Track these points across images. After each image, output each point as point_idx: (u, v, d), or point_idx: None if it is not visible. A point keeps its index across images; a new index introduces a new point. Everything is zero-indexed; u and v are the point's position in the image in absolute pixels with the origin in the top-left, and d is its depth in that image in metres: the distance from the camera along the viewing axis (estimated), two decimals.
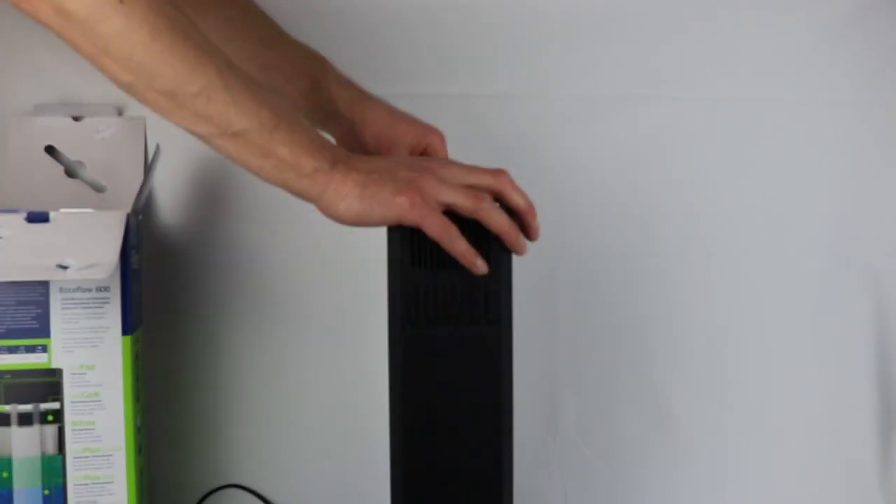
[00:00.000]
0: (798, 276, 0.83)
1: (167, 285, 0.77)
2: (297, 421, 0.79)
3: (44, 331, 0.62)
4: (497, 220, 0.53)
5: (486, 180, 0.53)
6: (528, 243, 0.56)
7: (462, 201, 0.52)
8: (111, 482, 0.64)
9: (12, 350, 0.62)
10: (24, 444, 0.62)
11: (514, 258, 0.56)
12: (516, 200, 0.54)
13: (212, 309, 0.78)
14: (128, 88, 0.49)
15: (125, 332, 0.64)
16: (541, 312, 0.81)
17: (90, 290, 0.63)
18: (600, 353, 0.82)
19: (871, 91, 0.83)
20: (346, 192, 0.52)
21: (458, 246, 0.52)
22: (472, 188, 0.53)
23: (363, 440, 0.78)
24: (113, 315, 0.64)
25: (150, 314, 0.74)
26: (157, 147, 0.72)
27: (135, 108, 0.77)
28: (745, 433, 0.83)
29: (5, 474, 0.62)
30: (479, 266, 0.53)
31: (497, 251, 0.54)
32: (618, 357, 0.82)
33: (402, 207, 0.51)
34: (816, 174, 0.83)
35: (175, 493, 0.78)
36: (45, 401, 0.63)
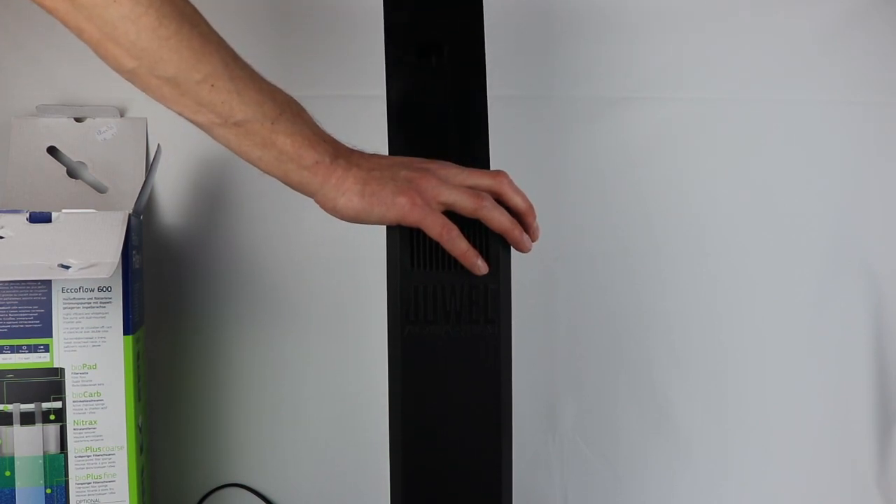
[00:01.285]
0: (797, 275, 0.83)
1: (168, 285, 0.77)
2: (297, 420, 0.79)
3: (46, 330, 0.63)
4: (499, 219, 0.53)
5: (486, 181, 0.54)
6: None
7: (463, 201, 0.52)
8: (112, 481, 0.64)
9: (15, 350, 0.62)
10: (27, 443, 0.62)
11: (513, 258, 0.56)
12: (516, 201, 0.54)
13: (212, 309, 0.78)
14: (131, 75, 0.49)
15: (126, 331, 0.64)
16: (541, 312, 0.81)
17: (92, 290, 0.63)
18: (600, 353, 0.82)
19: (871, 91, 0.83)
20: (347, 187, 0.52)
21: (459, 246, 0.52)
22: (473, 189, 0.53)
23: (363, 439, 0.78)
24: (114, 315, 0.64)
25: (151, 314, 0.74)
26: (158, 148, 0.72)
27: (136, 110, 0.77)
28: (743, 432, 0.83)
29: (8, 473, 0.62)
30: (480, 266, 0.53)
31: (496, 251, 0.54)
32: (618, 357, 0.82)
33: (403, 207, 0.51)
34: (816, 174, 0.83)
35: (176, 492, 0.78)
36: (48, 400, 0.63)
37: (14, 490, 0.62)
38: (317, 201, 0.53)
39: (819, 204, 0.83)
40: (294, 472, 0.80)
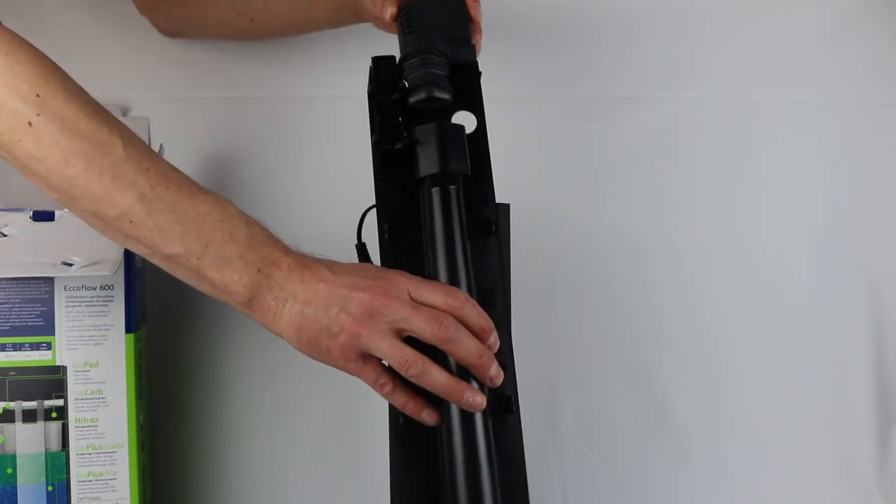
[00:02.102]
0: (796, 275, 0.83)
1: (170, 284, 0.77)
2: (297, 418, 0.79)
3: (48, 328, 0.63)
4: (466, 350, 0.48)
5: (441, 300, 0.48)
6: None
7: (423, 330, 0.47)
8: (114, 479, 0.64)
9: (17, 347, 0.62)
10: (29, 440, 0.63)
11: (513, 258, 0.56)
12: (474, 321, 0.49)
13: (213, 307, 0.78)
14: (58, 202, 0.48)
15: (128, 329, 0.64)
16: (540, 312, 0.81)
17: (94, 289, 0.64)
18: (600, 353, 0.82)
19: (871, 91, 0.83)
20: (282, 327, 0.49)
21: (396, 399, 0.50)
22: (430, 309, 0.48)
23: (363, 438, 0.78)
24: (116, 313, 0.64)
25: (152, 313, 0.74)
26: (161, 147, 0.72)
27: (139, 109, 0.77)
28: (743, 433, 0.83)
29: (10, 470, 0.62)
30: (472, 403, 0.48)
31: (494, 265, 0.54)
32: (617, 357, 0.82)
33: (337, 361, 0.49)
34: (815, 174, 0.83)
35: (176, 490, 0.78)
36: (49, 398, 0.63)
37: (16, 487, 0.62)
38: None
39: (818, 204, 0.83)
40: (294, 470, 0.80)
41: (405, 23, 0.59)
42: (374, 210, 0.58)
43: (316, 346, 0.49)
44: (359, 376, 0.49)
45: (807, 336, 0.83)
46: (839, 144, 0.83)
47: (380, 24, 0.64)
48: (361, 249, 0.60)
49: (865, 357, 0.84)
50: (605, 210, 0.82)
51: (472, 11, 0.61)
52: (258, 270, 0.49)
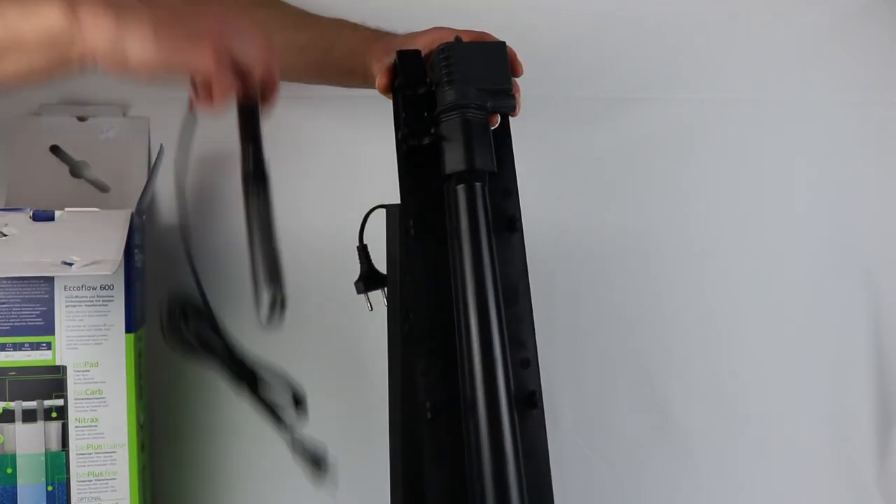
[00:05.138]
0: (796, 275, 0.83)
1: (169, 284, 0.77)
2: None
3: (48, 328, 0.63)
4: None
5: None
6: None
7: None
8: (114, 478, 0.64)
9: (17, 347, 0.62)
10: (29, 440, 0.63)
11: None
12: None
13: (213, 307, 0.78)
14: None
15: (129, 329, 0.64)
16: (541, 312, 0.81)
17: (94, 289, 0.64)
18: (600, 353, 0.82)
19: (871, 91, 0.83)
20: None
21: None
22: None
23: (363, 437, 0.78)
24: (117, 313, 0.64)
25: (152, 312, 0.74)
26: (161, 147, 0.72)
27: (139, 109, 0.77)
28: (743, 433, 0.83)
29: (10, 470, 0.62)
30: None
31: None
32: (618, 357, 0.82)
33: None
34: (814, 174, 0.83)
35: (176, 490, 0.78)
36: (50, 397, 0.63)
37: (16, 487, 0.63)
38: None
39: (818, 204, 0.83)
40: (294, 470, 0.80)
41: (444, 68, 0.56)
42: (375, 212, 0.58)
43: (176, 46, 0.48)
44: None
45: (807, 336, 0.83)
46: (839, 144, 0.83)
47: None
48: (363, 251, 0.60)
49: (865, 357, 0.84)
50: (605, 210, 0.82)
51: (515, 67, 0.59)
52: None
